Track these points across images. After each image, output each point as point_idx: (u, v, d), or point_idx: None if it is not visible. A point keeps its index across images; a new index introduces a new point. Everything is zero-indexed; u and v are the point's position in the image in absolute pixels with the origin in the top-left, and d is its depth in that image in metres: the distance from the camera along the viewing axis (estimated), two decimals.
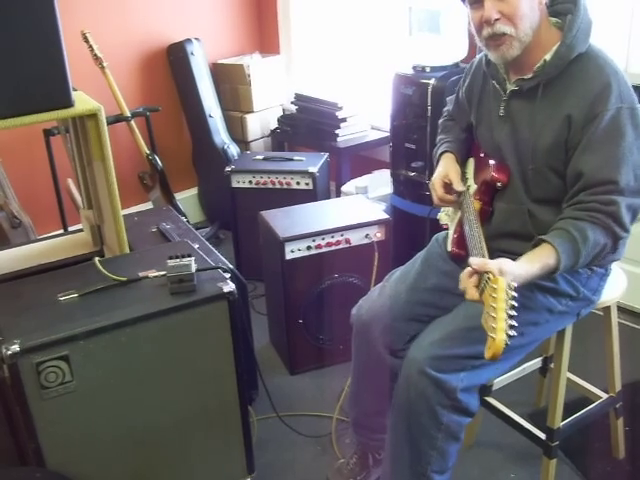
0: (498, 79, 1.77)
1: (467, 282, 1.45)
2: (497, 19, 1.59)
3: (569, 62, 1.62)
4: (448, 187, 1.87)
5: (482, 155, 1.85)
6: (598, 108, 1.56)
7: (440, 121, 2.10)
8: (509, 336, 1.26)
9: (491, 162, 1.77)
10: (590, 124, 1.57)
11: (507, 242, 1.75)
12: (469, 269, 1.45)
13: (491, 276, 1.36)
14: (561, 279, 1.72)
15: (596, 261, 1.63)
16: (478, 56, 1.89)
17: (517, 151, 1.72)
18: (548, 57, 1.64)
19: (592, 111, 1.57)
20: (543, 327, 1.76)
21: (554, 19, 1.68)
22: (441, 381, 1.66)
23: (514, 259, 1.51)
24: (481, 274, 1.42)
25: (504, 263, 1.44)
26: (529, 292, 1.68)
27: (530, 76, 1.67)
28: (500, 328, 1.26)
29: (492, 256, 1.53)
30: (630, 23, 2.71)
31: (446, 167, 1.91)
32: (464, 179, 1.90)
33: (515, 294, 1.30)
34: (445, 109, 2.10)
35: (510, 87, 1.73)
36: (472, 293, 1.43)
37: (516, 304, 1.29)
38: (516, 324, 1.27)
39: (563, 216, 1.60)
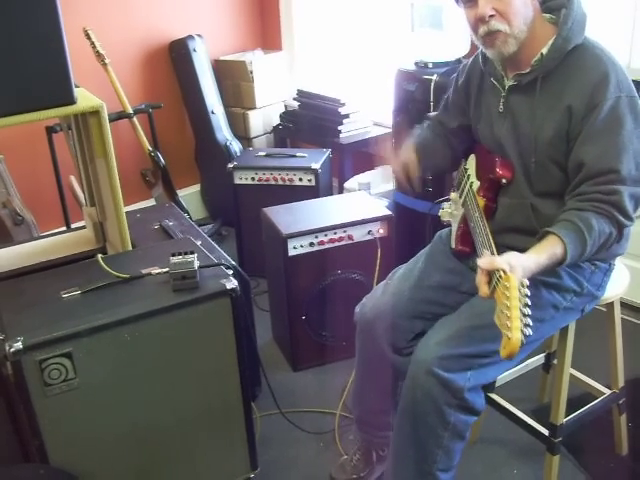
0: (496, 76, 1.77)
1: (479, 279, 1.45)
2: (492, 15, 1.60)
3: (566, 54, 1.62)
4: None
5: (484, 151, 1.84)
6: (597, 98, 1.57)
7: (419, 125, 2.10)
8: (525, 335, 1.25)
9: (495, 159, 1.77)
10: (590, 114, 1.58)
11: (511, 237, 1.75)
12: (480, 271, 1.44)
13: (502, 274, 1.35)
14: (565, 275, 1.71)
15: (602, 251, 1.62)
16: (473, 56, 1.90)
17: (518, 146, 1.72)
18: (545, 50, 1.64)
19: (592, 101, 1.57)
20: (549, 323, 1.76)
21: (548, 15, 1.69)
22: (448, 381, 1.65)
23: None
24: (492, 272, 1.41)
25: (512, 257, 1.43)
26: (534, 289, 1.67)
27: (528, 70, 1.68)
28: (515, 327, 1.25)
29: (497, 251, 1.53)
30: (633, 19, 2.70)
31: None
32: (465, 175, 1.90)
33: (528, 292, 1.30)
34: (428, 118, 2.10)
35: (508, 83, 1.73)
36: (484, 290, 1.42)
37: (529, 302, 1.28)
38: (531, 322, 1.27)
39: (566, 208, 1.60)
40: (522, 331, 1.25)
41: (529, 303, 1.28)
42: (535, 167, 1.69)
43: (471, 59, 1.91)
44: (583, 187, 1.59)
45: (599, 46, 1.64)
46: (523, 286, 1.30)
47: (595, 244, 1.55)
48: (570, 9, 1.63)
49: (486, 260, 1.43)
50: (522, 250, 1.56)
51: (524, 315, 1.27)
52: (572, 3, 1.63)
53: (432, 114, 2.11)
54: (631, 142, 1.56)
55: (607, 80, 1.56)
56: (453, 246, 1.87)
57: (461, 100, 1.94)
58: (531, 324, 1.27)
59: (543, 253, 1.50)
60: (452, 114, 1.99)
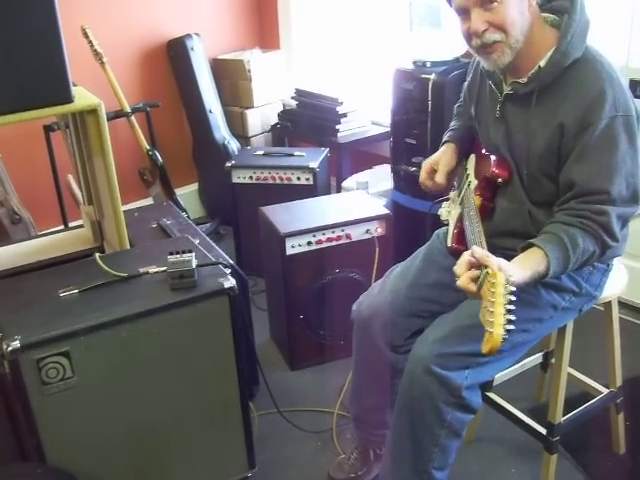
0: (494, 79, 1.75)
1: (464, 271, 1.44)
2: (485, 30, 1.56)
3: (564, 68, 1.58)
4: (433, 173, 1.91)
5: (483, 151, 1.84)
6: (592, 117, 1.53)
7: (455, 105, 2.10)
8: (507, 330, 1.26)
9: (492, 158, 1.76)
10: (584, 132, 1.54)
11: (507, 240, 1.74)
12: (469, 258, 1.44)
13: (490, 270, 1.36)
14: (564, 275, 1.71)
15: (583, 267, 1.65)
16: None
17: (512, 155, 1.71)
18: (542, 63, 1.60)
19: (586, 119, 1.54)
20: (547, 323, 1.76)
21: (551, 16, 1.64)
22: (446, 379, 1.66)
23: (513, 257, 1.51)
24: (480, 268, 1.41)
25: (503, 263, 1.43)
26: (533, 289, 1.68)
27: (525, 81, 1.64)
28: (498, 323, 1.26)
29: (492, 254, 1.53)
30: (631, 17, 2.69)
31: (440, 155, 1.93)
32: (464, 174, 1.90)
33: (513, 289, 1.30)
34: (462, 93, 2.10)
35: (505, 90, 1.71)
36: (471, 288, 1.42)
37: (514, 298, 1.29)
38: (514, 318, 1.27)
39: (554, 220, 1.59)
40: (504, 327, 1.26)
41: (514, 299, 1.29)
42: (527, 179, 1.68)
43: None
44: (572, 203, 1.58)
45: (600, 59, 1.58)
46: (509, 283, 1.31)
47: (578, 261, 1.55)
48: (572, 18, 1.57)
49: (481, 251, 1.43)
50: (518, 253, 1.56)
51: (508, 311, 1.27)
52: (575, 11, 1.58)
53: (461, 94, 2.09)
54: (624, 162, 1.54)
55: (603, 98, 1.52)
56: (449, 244, 1.87)
57: (467, 97, 1.94)
58: (514, 319, 1.27)
59: (528, 270, 1.49)
60: (466, 102, 1.99)
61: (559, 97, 1.60)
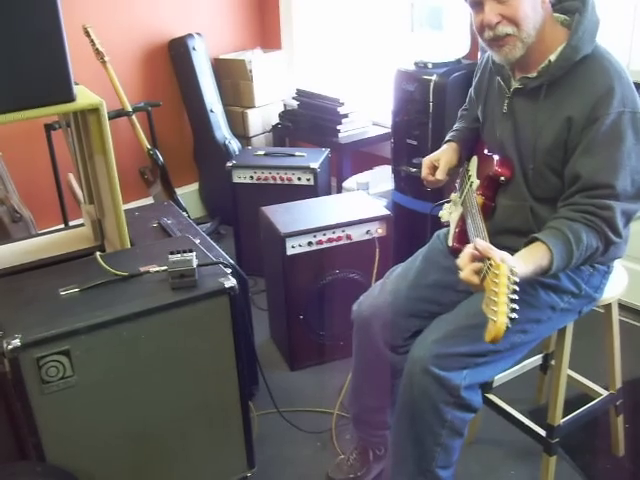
0: (503, 76, 1.77)
1: (467, 264, 1.45)
2: (498, 22, 1.59)
3: (574, 63, 1.61)
4: (434, 170, 1.93)
5: (485, 152, 1.84)
6: (600, 111, 1.55)
7: (460, 109, 2.11)
8: (510, 319, 1.26)
9: (495, 157, 1.77)
10: (591, 127, 1.56)
11: (509, 238, 1.74)
12: (471, 251, 1.44)
13: (493, 262, 1.36)
14: (563, 276, 1.71)
15: (586, 264, 1.65)
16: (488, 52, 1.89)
17: (518, 150, 1.72)
18: (553, 58, 1.63)
19: (593, 114, 1.56)
20: (545, 324, 1.76)
21: (562, 16, 1.67)
22: (444, 379, 1.66)
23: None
24: (483, 260, 1.41)
25: (506, 255, 1.43)
26: (532, 290, 1.68)
27: (534, 75, 1.66)
28: (501, 311, 1.26)
29: None
30: (633, 20, 2.70)
31: (441, 153, 1.96)
32: (466, 176, 1.90)
33: (517, 279, 1.30)
34: (467, 97, 2.11)
35: (514, 85, 1.73)
36: (473, 279, 1.42)
37: (518, 289, 1.29)
38: (517, 307, 1.27)
39: (558, 215, 1.60)
40: (508, 316, 1.26)
41: (517, 289, 1.29)
42: (532, 174, 1.69)
43: (486, 55, 1.89)
44: (576, 198, 1.59)
45: (608, 57, 1.61)
46: (513, 274, 1.31)
47: (581, 257, 1.56)
48: (583, 16, 1.60)
49: (483, 243, 1.43)
50: (522, 248, 1.56)
51: (511, 301, 1.27)
52: (586, 10, 1.61)
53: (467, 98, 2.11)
54: (629, 158, 1.55)
55: (611, 94, 1.55)
56: (450, 244, 1.87)
57: (474, 96, 1.95)
58: (517, 308, 1.27)
59: (530, 264, 1.49)
60: (472, 106, 2.00)
61: (568, 91, 1.61)
